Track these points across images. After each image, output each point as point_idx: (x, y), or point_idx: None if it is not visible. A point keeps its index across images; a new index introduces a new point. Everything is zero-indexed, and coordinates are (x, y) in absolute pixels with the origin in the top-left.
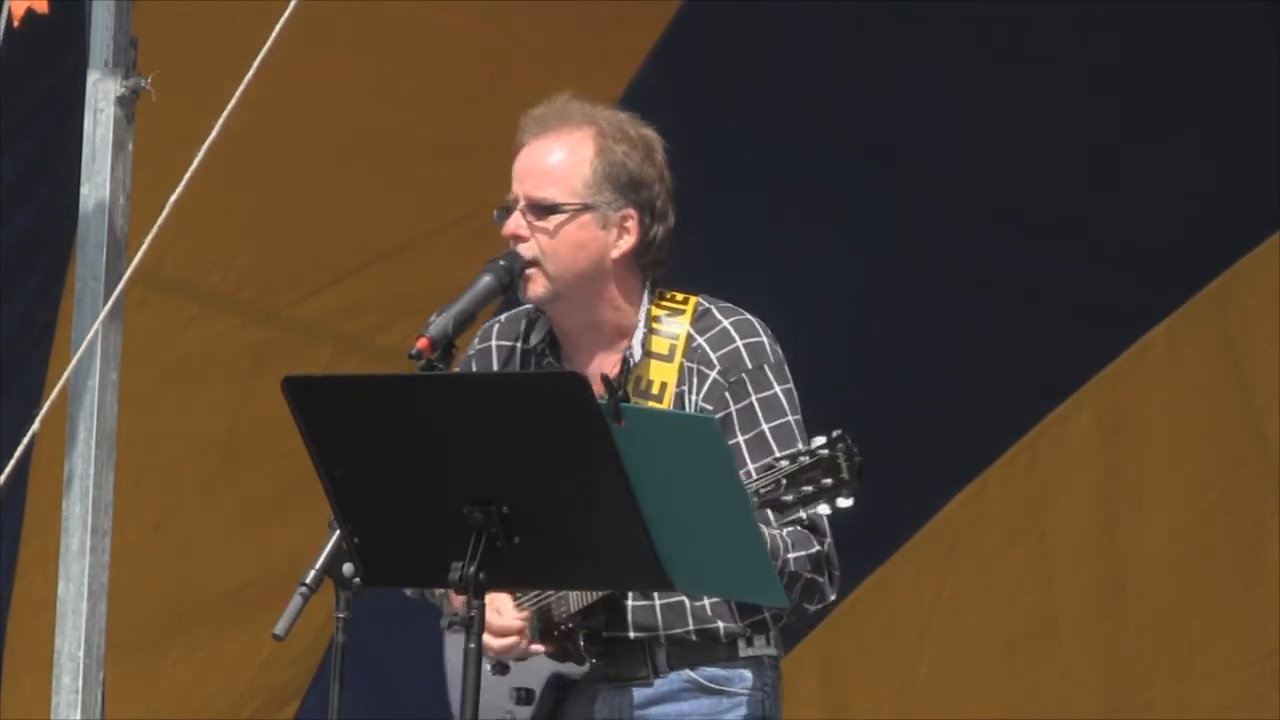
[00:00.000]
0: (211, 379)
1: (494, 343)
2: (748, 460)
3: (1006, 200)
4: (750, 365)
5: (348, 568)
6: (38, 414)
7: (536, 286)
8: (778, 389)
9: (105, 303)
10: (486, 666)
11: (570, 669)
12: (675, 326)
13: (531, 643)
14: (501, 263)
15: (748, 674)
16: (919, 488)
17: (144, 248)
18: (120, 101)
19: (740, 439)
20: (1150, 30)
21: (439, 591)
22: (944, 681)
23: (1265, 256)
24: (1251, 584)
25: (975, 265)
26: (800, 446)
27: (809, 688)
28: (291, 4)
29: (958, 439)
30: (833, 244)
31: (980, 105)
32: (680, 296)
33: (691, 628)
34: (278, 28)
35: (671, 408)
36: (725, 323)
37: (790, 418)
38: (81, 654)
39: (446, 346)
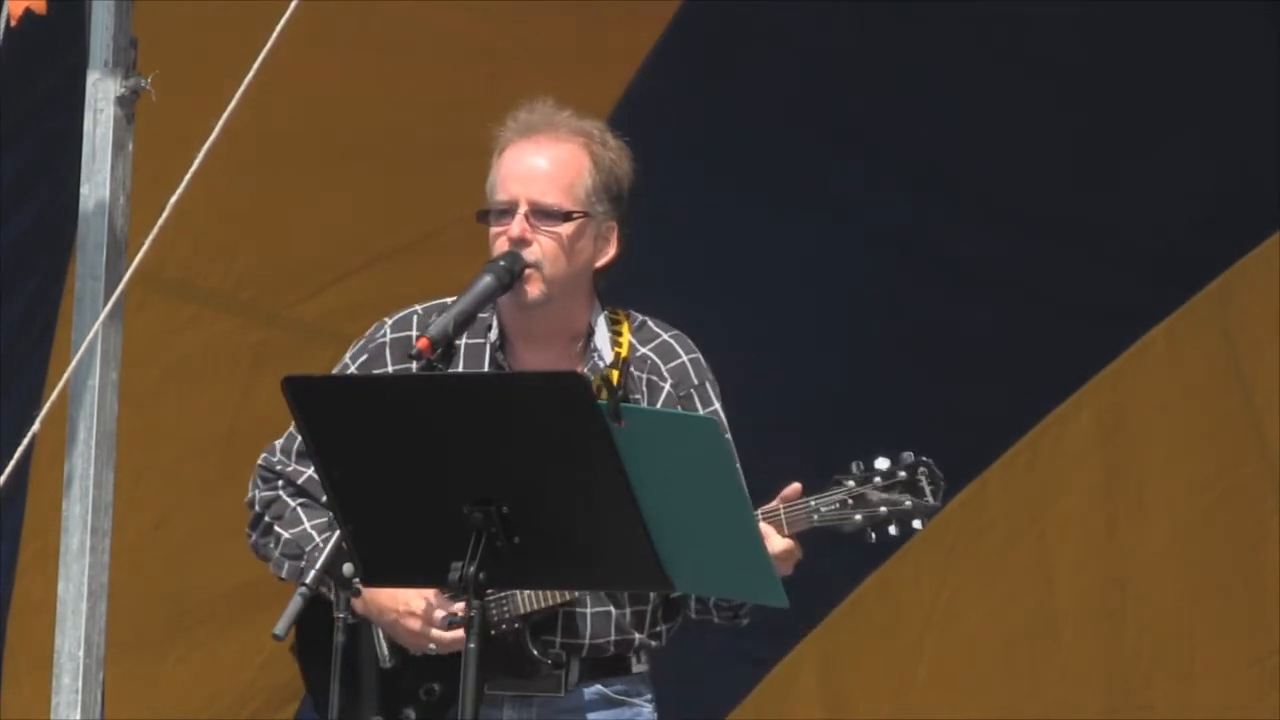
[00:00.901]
0: (211, 379)
1: (414, 333)
2: None
3: (1006, 200)
4: (695, 381)
5: (348, 568)
6: (38, 414)
7: (535, 289)
8: (717, 405)
9: (105, 303)
10: (384, 654)
11: (505, 672)
12: (616, 335)
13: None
14: (501, 263)
15: (642, 688)
16: None
17: (144, 248)
18: (120, 101)
19: None
20: (1150, 30)
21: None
22: (944, 681)
23: (1265, 256)
24: (1251, 584)
25: (975, 265)
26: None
27: (809, 688)
28: (292, 4)
29: (958, 439)
30: (833, 244)
31: (980, 105)
32: (616, 310)
33: (613, 637)
34: (278, 28)
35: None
36: (665, 336)
37: (728, 436)
38: (81, 654)
39: (446, 346)
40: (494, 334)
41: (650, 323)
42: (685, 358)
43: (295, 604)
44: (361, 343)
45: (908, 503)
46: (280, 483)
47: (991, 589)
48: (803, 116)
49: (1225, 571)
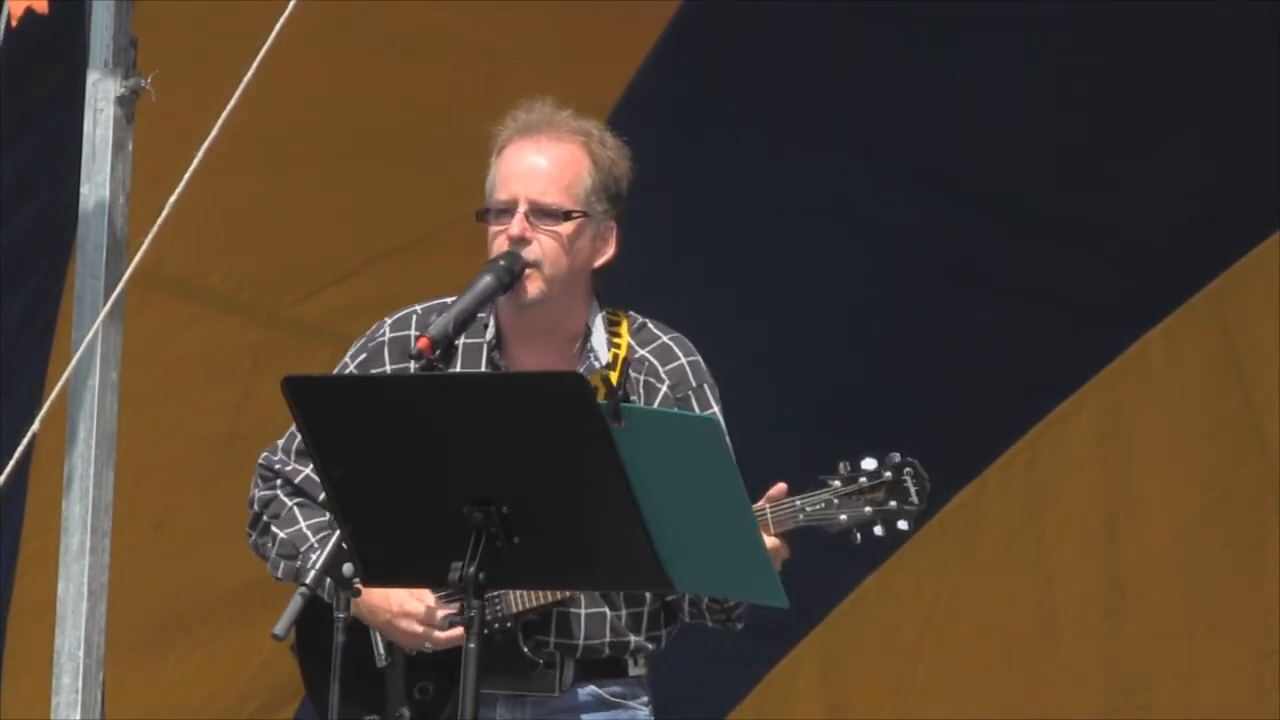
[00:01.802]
0: (211, 379)
1: (415, 333)
2: None
3: (1007, 200)
4: (694, 383)
5: (348, 568)
6: (38, 414)
7: (534, 288)
8: (716, 408)
9: (105, 303)
10: (380, 653)
11: (500, 671)
12: (616, 336)
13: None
14: (501, 263)
15: (639, 690)
16: None
17: (144, 248)
18: (120, 101)
19: None
20: (1150, 31)
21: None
22: (944, 681)
23: (1265, 256)
24: (1251, 584)
25: (975, 265)
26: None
27: (809, 688)
28: (291, 4)
29: (958, 439)
30: (832, 244)
31: (980, 105)
32: (615, 311)
33: (608, 639)
34: (277, 27)
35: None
36: (664, 338)
37: (728, 437)
38: (81, 654)
39: (446, 346)
40: (490, 333)
41: (650, 325)
42: (684, 360)
43: (295, 604)
44: (361, 342)
45: (892, 504)
46: (279, 482)
47: (991, 589)
48: (802, 116)
49: (1225, 571)
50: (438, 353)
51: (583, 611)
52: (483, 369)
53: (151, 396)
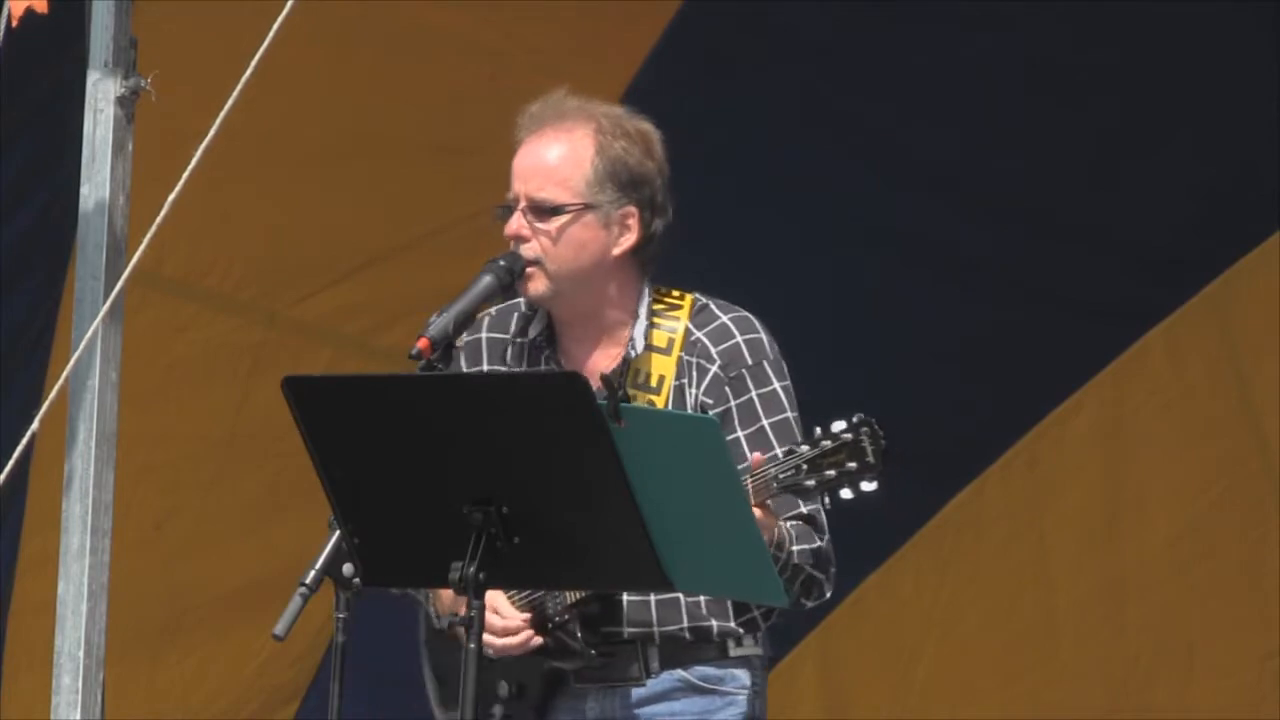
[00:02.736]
0: (211, 379)
1: (484, 335)
2: (747, 454)
3: (1006, 200)
4: (750, 361)
5: (348, 568)
6: (38, 414)
7: (537, 285)
8: (776, 385)
9: (105, 303)
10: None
11: (567, 663)
12: (673, 321)
13: (531, 638)
14: (501, 263)
15: (740, 673)
16: (919, 488)
17: (142, 246)
18: (120, 101)
19: (740, 434)
20: (1151, 31)
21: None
22: (944, 681)
23: (1265, 256)
24: (1251, 584)
25: (975, 265)
26: (799, 440)
27: (809, 688)
28: (290, 3)
29: (958, 439)
30: (833, 244)
31: (980, 105)
32: (677, 293)
33: (685, 624)
34: (275, 27)
35: (670, 401)
36: (724, 318)
37: (789, 414)
38: (81, 654)
39: (446, 347)
40: (534, 331)
41: (712, 305)
42: (740, 338)
43: (295, 604)
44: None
45: (851, 465)
46: None
47: (991, 589)
48: (802, 116)
49: (1225, 571)
50: (437, 353)
51: (652, 598)
52: (532, 365)
53: (151, 396)
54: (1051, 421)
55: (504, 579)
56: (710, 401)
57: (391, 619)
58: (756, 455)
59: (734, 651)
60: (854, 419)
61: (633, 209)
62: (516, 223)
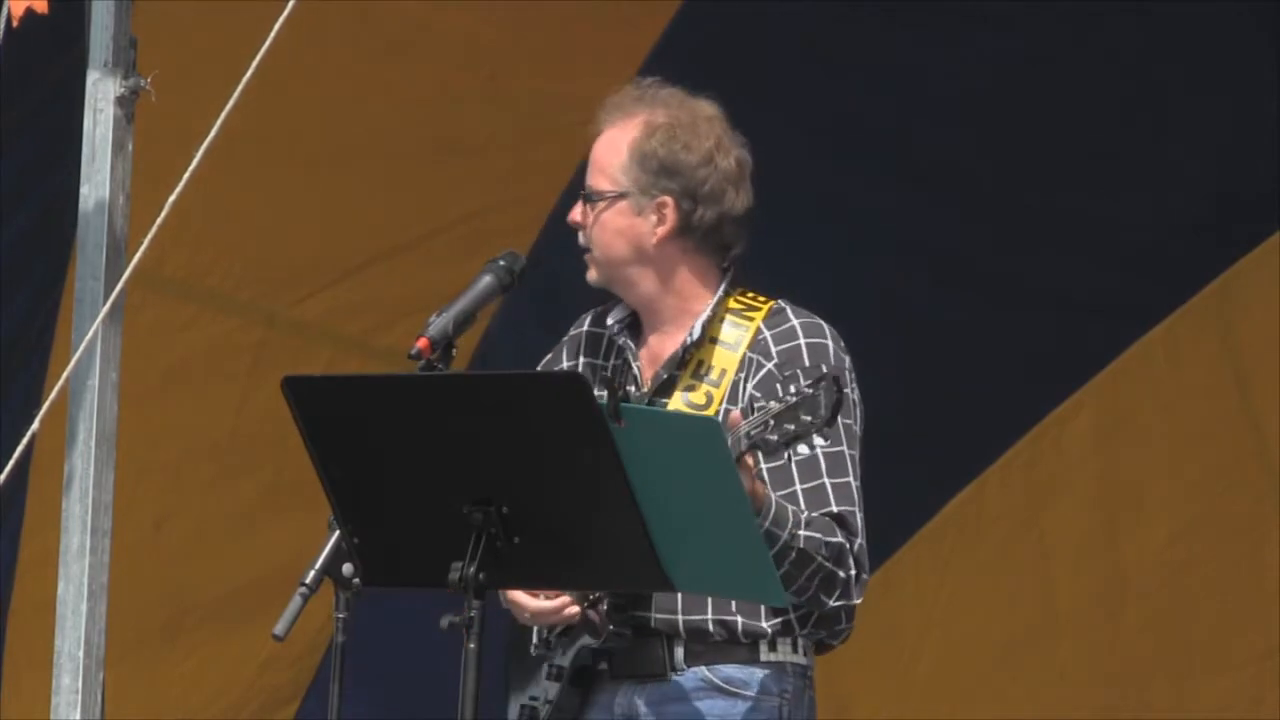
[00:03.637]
0: (211, 379)
1: (585, 329)
2: (790, 460)
3: (1006, 200)
4: (807, 363)
5: (347, 568)
6: (38, 414)
7: (590, 272)
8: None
9: (105, 303)
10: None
11: (594, 640)
12: (748, 321)
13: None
14: (501, 263)
15: (767, 678)
16: (919, 488)
17: (143, 247)
18: (120, 101)
19: None
20: (1151, 30)
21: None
22: (944, 681)
23: (1265, 256)
24: (1251, 584)
25: (975, 265)
26: (848, 450)
27: None
28: (290, 4)
29: (958, 439)
30: (833, 244)
31: (980, 105)
32: (762, 298)
33: (709, 616)
34: (276, 27)
35: (726, 395)
36: (795, 322)
37: (839, 420)
38: (81, 654)
39: (446, 346)
40: (612, 318)
41: (789, 309)
42: (803, 340)
43: (295, 604)
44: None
45: (806, 418)
46: None
47: (991, 589)
48: (802, 116)
49: (1225, 571)
50: (437, 353)
51: None
52: (605, 355)
53: (151, 396)
54: (1051, 421)
55: (504, 579)
56: (759, 396)
57: (391, 619)
58: (736, 414)
59: (765, 655)
60: (815, 372)
61: (667, 198)
62: (575, 210)
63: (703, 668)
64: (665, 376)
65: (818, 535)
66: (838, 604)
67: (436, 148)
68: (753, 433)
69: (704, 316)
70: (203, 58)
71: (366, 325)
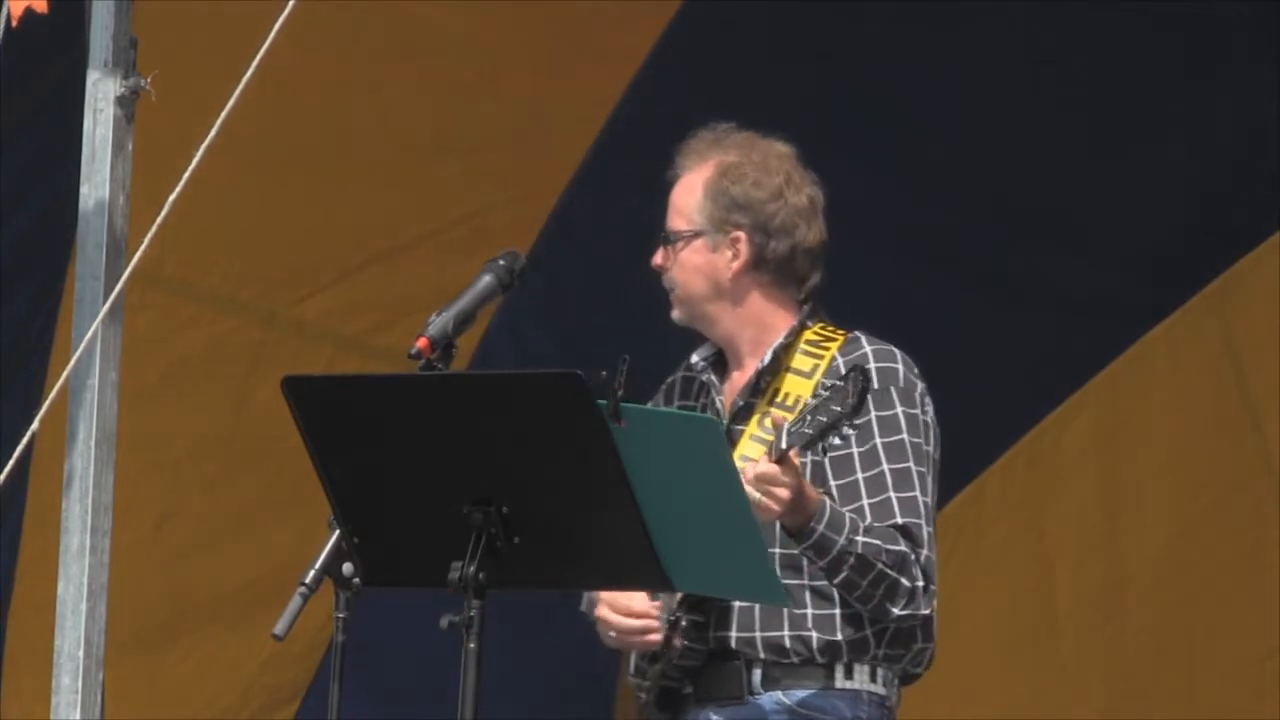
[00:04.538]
0: (211, 379)
1: (679, 375)
2: (858, 471)
3: (1006, 199)
4: (876, 385)
5: (347, 568)
6: (38, 414)
7: (674, 311)
8: (900, 410)
9: (105, 303)
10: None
11: (670, 659)
12: (824, 350)
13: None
14: (501, 262)
15: (841, 705)
16: None
17: (143, 246)
18: (120, 101)
19: (854, 450)
20: (1151, 30)
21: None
22: (944, 681)
23: (1265, 256)
24: (1251, 584)
25: (975, 264)
26: (915, 467)
27: None
28: (290, 4)
29: (958, 439)
30: (832, 244)
31: (980, 104)
32: (840, 330)
33: (786, 632)
34: (275, 27)
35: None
36: (867, 348)
37: (906, 437)
38: (81, 654)
39: (446, 346)
40: (697, 356)
41: (864, 338)
42: (873, 364)
43: (295, 604)
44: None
45: (835, 408)
46: None
47: (991, 589)
48: (801, 116)
49: (1225, 571)
50: (437, 353)
51: (756, 605)
52: (686, 395)
53: (151, 396)
54: (1051, 421)
55: (504, 579)
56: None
57: (392, 619)
58: (776, 415)
59: (840, 683)
60: (851, 369)
61: (740, 232)
62: (658, 254)
63: (778, 692)
64: (741, 404)
65: (877, 542)
66: (905, 613)
67: (436, 148)
68: (793, 431)
69: (777, 344)
70: (203, 58)
71: (366, 325)
